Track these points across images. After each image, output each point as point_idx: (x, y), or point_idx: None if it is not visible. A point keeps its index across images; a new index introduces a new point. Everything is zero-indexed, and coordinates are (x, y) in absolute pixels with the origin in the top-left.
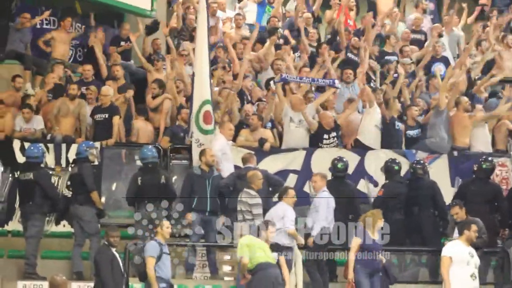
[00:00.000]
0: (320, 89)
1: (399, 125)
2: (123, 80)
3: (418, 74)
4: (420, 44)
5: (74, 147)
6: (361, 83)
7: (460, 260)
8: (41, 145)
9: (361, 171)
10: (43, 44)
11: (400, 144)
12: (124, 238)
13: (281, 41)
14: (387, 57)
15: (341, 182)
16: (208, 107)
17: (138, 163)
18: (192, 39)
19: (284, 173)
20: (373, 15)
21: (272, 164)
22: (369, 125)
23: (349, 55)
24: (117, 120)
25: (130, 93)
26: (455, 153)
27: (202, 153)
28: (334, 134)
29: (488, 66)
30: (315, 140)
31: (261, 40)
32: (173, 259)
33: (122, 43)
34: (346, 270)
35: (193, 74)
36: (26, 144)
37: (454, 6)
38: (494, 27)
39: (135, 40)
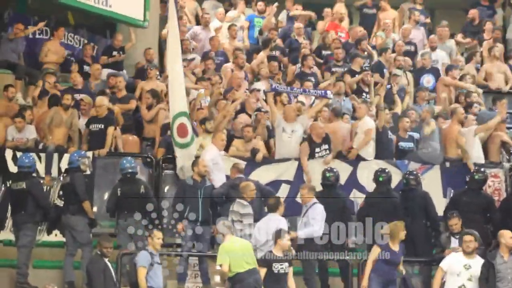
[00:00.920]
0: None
1: (391, 135)
2: (124, 91)
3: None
4: (410, 55)
5: (66, 157)
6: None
7: (451, 272)
8: (33, 154)
9: (353, 182)
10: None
11: (392, 154)
12: (116, 248)
13: (277, 52)
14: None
15: (331, 192)
16: (182, 119)
17: None
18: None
19: (276, 184)
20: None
21: (264, 175)
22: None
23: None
24: (111, 131)
25: (133, 103)
26: (447, 164)
27: (194, 163)
28: (325, 146)
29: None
30: None
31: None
32: (164, 269)
33: (115, 53)
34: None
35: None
36: (18, 154)
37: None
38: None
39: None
